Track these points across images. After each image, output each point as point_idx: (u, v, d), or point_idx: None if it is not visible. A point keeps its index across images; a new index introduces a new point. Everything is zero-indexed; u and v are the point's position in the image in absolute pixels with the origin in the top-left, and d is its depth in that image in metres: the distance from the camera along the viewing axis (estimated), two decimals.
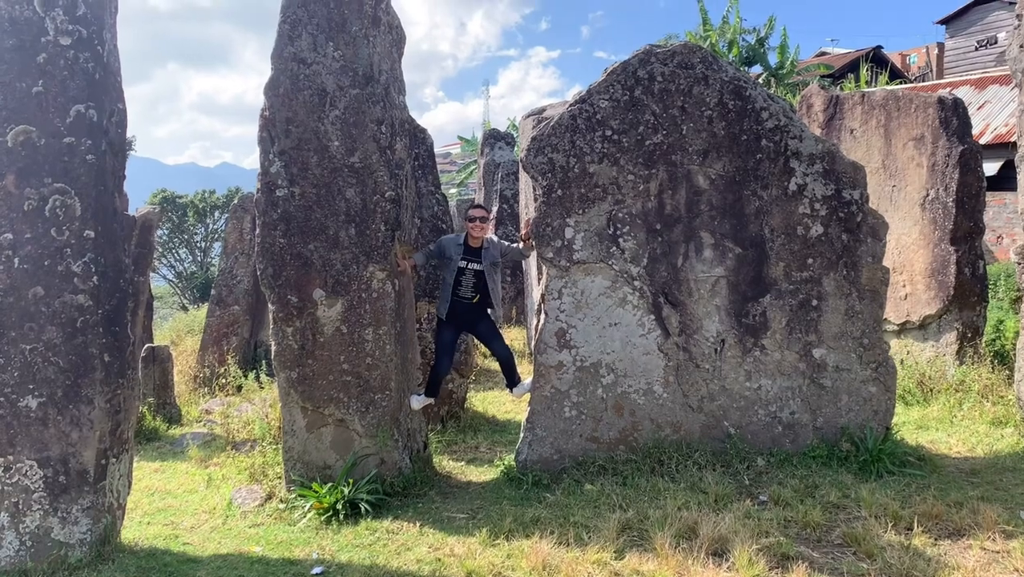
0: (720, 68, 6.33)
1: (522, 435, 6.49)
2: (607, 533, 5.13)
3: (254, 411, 8.87)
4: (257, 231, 6.22)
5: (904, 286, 9.61)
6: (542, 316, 6.46)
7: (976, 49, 31.42)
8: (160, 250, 37.98)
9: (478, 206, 6.81)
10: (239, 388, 11.20)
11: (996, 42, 30.08)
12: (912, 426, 7.60)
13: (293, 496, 6.18)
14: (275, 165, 6.11)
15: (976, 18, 31.77)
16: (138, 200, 33.97)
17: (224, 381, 12.05)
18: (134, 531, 6.17)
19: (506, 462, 6.67)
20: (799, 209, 6.37)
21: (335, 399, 6.22)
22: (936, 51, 34.62)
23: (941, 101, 9.46)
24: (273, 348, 6.27)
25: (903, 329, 9.69)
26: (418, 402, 6.74)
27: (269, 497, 6.49)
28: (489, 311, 6.80)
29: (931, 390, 8.55)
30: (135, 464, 8.37)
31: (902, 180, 9.77)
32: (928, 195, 9.42)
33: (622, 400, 6.41)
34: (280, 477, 6.55)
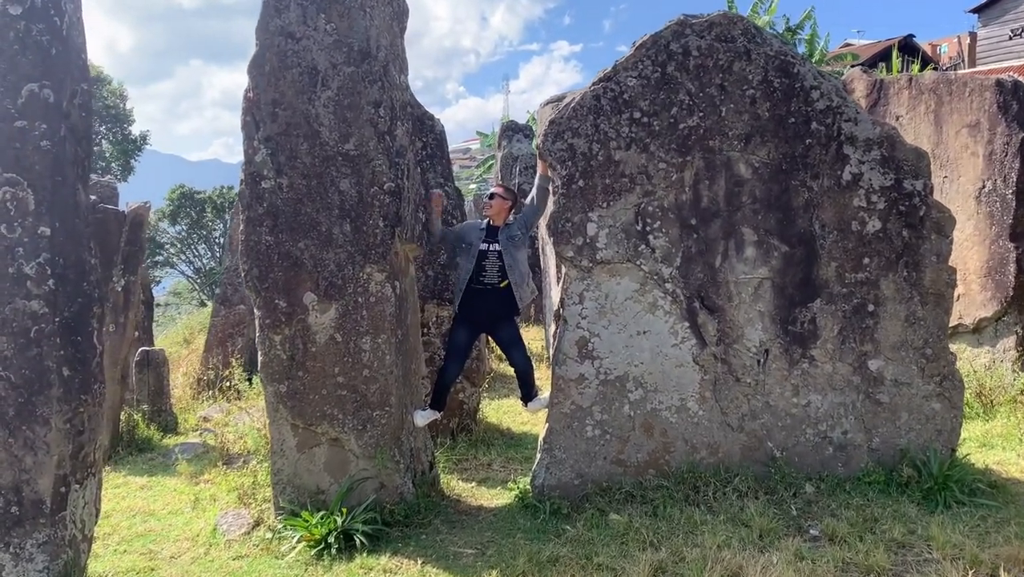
0: (764, 41, 5.57)
1: (538, 456, 5.77)
2: None
3: (251, 421, 8.23)
4: (241, 228, 5.54)
5: (956, 286, 8.79)
6: (561, 323, 5.74)
7: (1010, 38, 30.35)
8: (179, 246, 37.77)
9: (500, 188, 6.23)
10: (242, 391, 10.59)
11: None
12: (974, 444, 6.80)
13: (281, 525, 5.51)
14: (260, 153, 5.43)
15: (1010, 6, 30.68)
16: (160, 196, 33.61)
17: (228, 384, 11.45)
18: (107, 561, 5.54)
19: (521, 486, 5.96)
20: (854, 202, 5.61)
21: (329, 416, 5.54)
22: (968, 40, 33.55)
23: (1000, 84, 8.62)
24: (260, 359, 5.60)
25: (954, 333, 8.84)
26: (422, 418, 6.04)
27: (257, 524, 5.82)
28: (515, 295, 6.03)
29: (991, 402, 7.73)
30: (121, 480, 7.78)
31: (954, 171, 8.95)
32: (984, 187, 8.60)
33: (652, 418, 5.68)
34: (270, 500, 5.89)
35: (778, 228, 5.62)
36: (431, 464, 6.18)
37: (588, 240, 5.62)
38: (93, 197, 8.62)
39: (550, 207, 5.83)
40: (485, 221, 6.05)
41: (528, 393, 6.21)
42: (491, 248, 5.91)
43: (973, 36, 32.95)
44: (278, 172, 5.42)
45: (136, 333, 11.68)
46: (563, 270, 5.87)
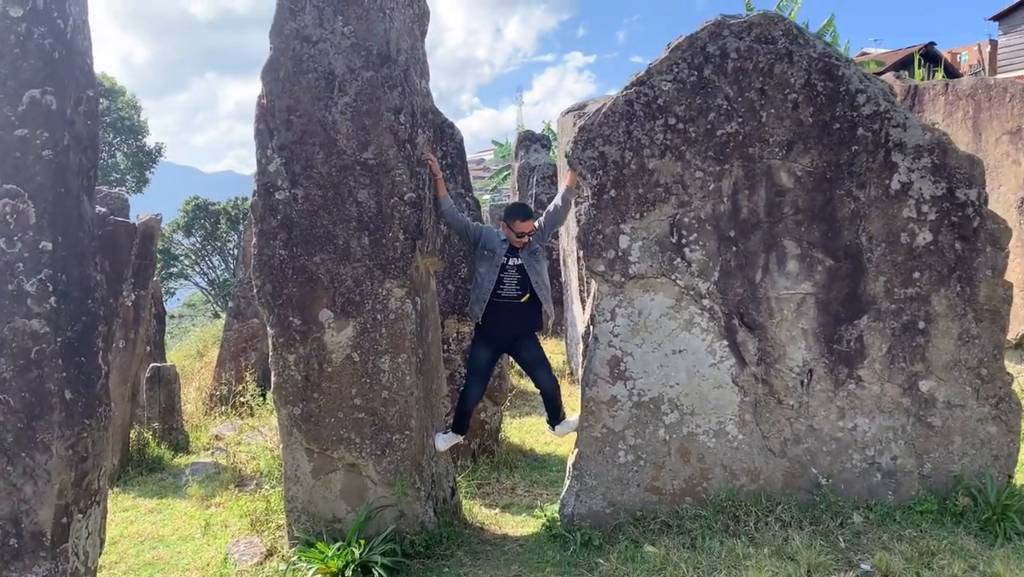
0: (807, 42, 5.24)
1: (567, 483, 5.44)
2: None
3: (264, 441, 7.94)
4: (253, 241, 5.25)
5: (1012, 301, 8.41)
6: (591, 341, 5.42)
7: None
8: (193, 257, 37.70)
9: (527, 217, 5.60)
10: (254, 408, 10.31)
11: None
12: None
13: (295, 556, 5.20)
14: (274, 163, 5.15)
15: None
16: (175, 208, 33.51)
17: (242, 400, 11.18)
18: None
19: (548, 513, 5.63)
20: (903, 212, 5.26)
21: (345, 440, 5.23)
22: (989, 48, 33.12)
23: None
24: (273, 379, 5.30)
25: None
26: (444, 442, 5.72)
27: (270, 553, 5.52)
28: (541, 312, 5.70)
29: None
30: (130, 502, 7.49)
31: (995, 179, 8.57)
32: None
33: (689, 443, 5.34)
34: (283, 527, 5.58)
35: (822, 240, 5.28)
36: (453, 490, 5.86)
37: (620, 253, 5.30)
38: (103, 209, 8.39)
39: (575, 218, 5.51)
40: (503, 233, 5.65)
41: (555, 416, 5.87)
42: (510, 262, 5.58)
43: (994, 44, 32.55)
44: (293, 182, 5.14)
45: (148, 348, 11.43)
46: (592, 285, 5.56)
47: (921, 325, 5.31)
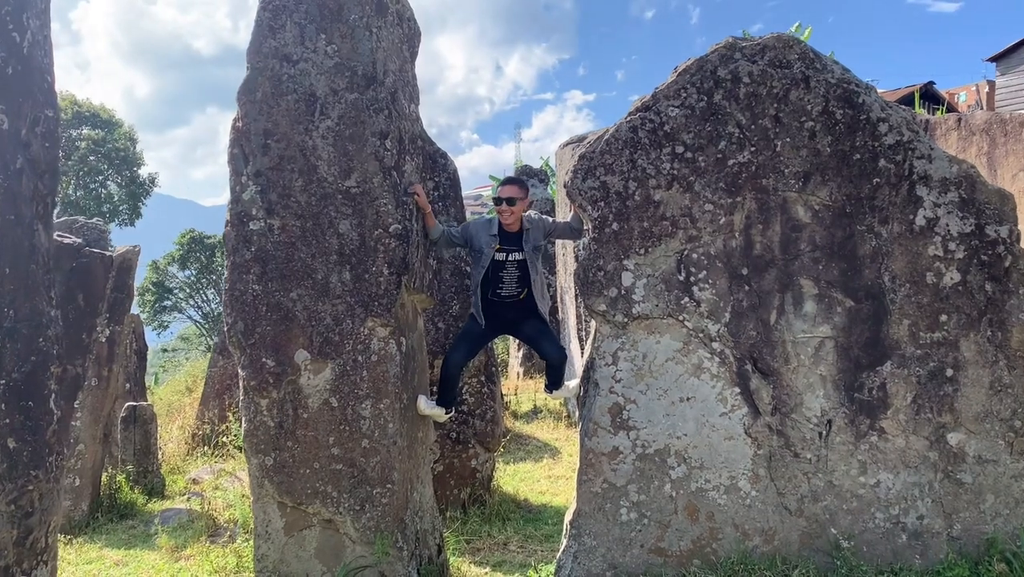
0: (824, 67, 4.89)
1: (564, 542, 4.97)
2: None
3: (242, 487, 7.46)
4: (226, 274, 4.84)
5: None
6: (591, 387, 4.99)
7: None
8: (188, 290, 37.28)
9: (510, 181, 5.31)
10: (240, 449, 9.82)
11: None
12: None
13: None
14: (249, 190, 4.75)
15: None
16: (174, 241, 33.13)
17: (225, 440, 10.70)
18: None
19: (543, 575, 5.16)
20: (929, 250, 4.87)
21: (321, 493, 4.78)
22: (987, 89, 33.18)
23: None
24: (244, 426, 4.86)
25: None
26: (427, 406, 5.25)
27: None
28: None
29: None
30: (96, 553, 6.97)
31: None
32: None
33: (697, 499, 4.88)
34: None
35: (842, 280, 4.88)
36: (439, 548, 5.38)
37: (623, 292, 4.89)
38: (78, 240, 7.99)
39: (572, 254, 5.12)
40: (496, 220, 5.26)
41: (556, 381, 5.47)
42: (509, 257, 5.20)
43: (991, 84, 32.60)
44: (268, 212, 4.74)
45: (127, 385, 10.97)
46: (593, 325, 5.14)
47: (949, 372, 4.88)
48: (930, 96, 32.22)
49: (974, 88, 35.57)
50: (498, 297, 5.24)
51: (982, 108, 32.82)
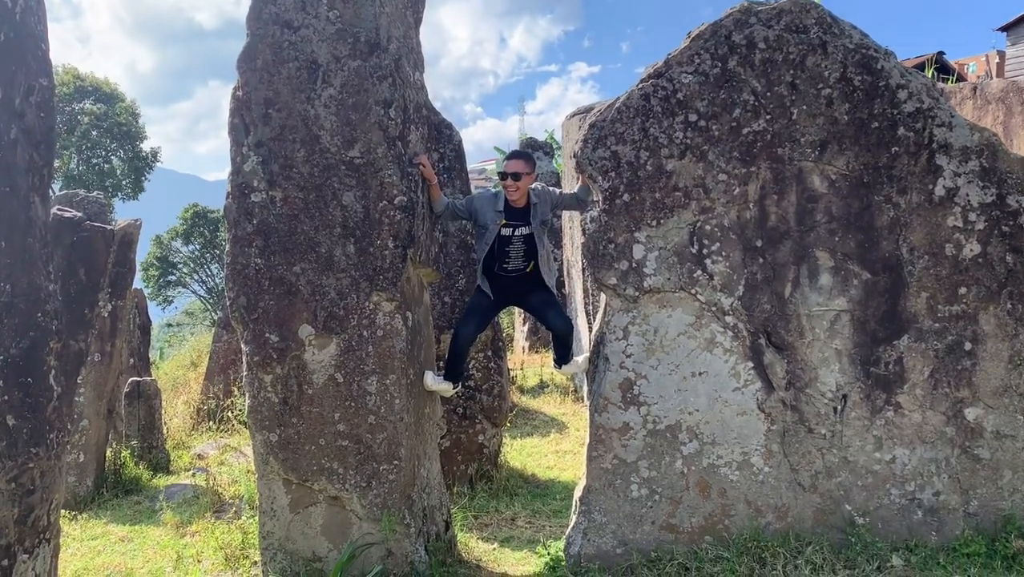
0: (842, 32, 4.73)
1: (574, 519, 4.90)
2: None
3: (247, 463, 7.41)
4: (227, 248, 4.74)
5: None
6: (601, 362, 4.89)
7: None
8: (192, 265, 37.22)
9: (516, 155, 5.15)
10: (245, 424, 9.77)
11: None
12: None
13: None
14: (250, 161, 4.63)
15: None
16: (177, 216, 33.02)
17: (230, 415, 10.65)
18: None
19: (552, 551, 5.09)
20: (948, 221, 4.74)
21: (327, 470, 4.70)
22: (997, 59, 32.75)
23: None
24: (247, 402, 4.78)
25: None
26: (435, 382, 5.17)
27: None
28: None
29: None
30: (101, 529, 6.94)
31: None
32: None
33: (709, 475, 4.80)
34: (259, 564, 5.04)
35: (858, 252, 4.75)
36: (447, 524, 5.31)
37: (634, 265, 4.77)
38: (78, 213, 7.88)
39: (580, 227, 5.01)
40: (502, 200, 5.12)
41: (564, 355, 5.36)
42: (516, 232, 5.08)
43: (1001, 55, 32.18)
44: (270, 183, 4.63)
45: (131, 360, 10.92)
46: (602, 299, 5.03)
47: (967, 346, 4.77)
48: (940, 66, 31.80)
49: (984, 59, 35.11)
50: (504, 271, 5.14)
51: (992, 78, 32.41)
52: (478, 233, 5.23)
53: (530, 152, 5.39)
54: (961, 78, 31.50)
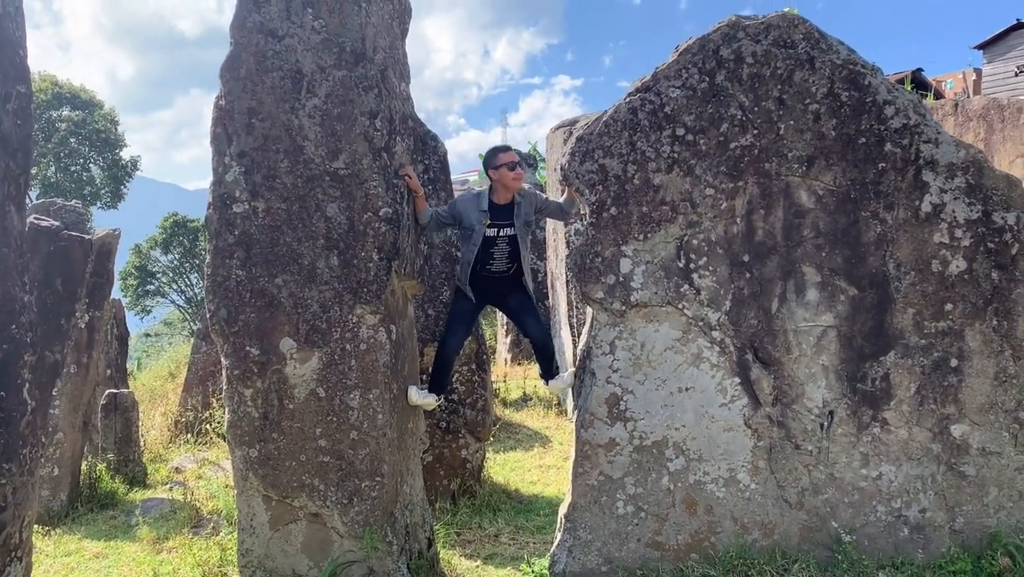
0: (830, 47, 4.73)
1: (559, 536, 4.84)
2: None
3: (225, 477, 7.29)
4: (208, 259, 4.65)
5: None
6: (587, 377, 4.84)
7: (1016, 74, 29.96)
8: (171, 275, 36.86)
9: (503, 148, 5.18)
10: (224, 437, 9.63)
11: None
12: None
13: None
14: (232, 171, 4.56)
15: (1016, 43, 30.34)
16: (156, 225, 32.68)
17: (208, 428, 10.50)
18: None
19: (536, 569, 5.02)
20: (934, 237, 4.74)
21: (308, 486, 4.62)
22: (974, 76, 33.17)
23: None
24: (227, 417, 4.68)
25: None
26: (419, 396, 5.09)
27: None
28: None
29: None
30: (75, 545, 6.78)
31: None
32: None
33: (695, 492, 4.76)
34: None
35: (845, 267, 4.74)
36: (430, 541, 5.23)
37: (621, 279, 4.73)
38: (55, 223, 7.75)
39: (564, 240, 4.95)
40: (485, 195, 5.11)
41: (549, 369, 5.30)
42: (501, 233, 5.07)
43: (978, 72, 32.58)
44: (253, 194, 4.55)
45: (108, 372, 10.75)
46: (588, 313, 4.98)
47: (953, 363, 4.77)
48: (918, 83, 32.17)
49: (960, 76, 35.56)
50: (488, 272, 5.13)
51: (969, 95, 32.79)
52: (463, 235, 5.19)
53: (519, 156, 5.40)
54: (939, 94, 31.89)
